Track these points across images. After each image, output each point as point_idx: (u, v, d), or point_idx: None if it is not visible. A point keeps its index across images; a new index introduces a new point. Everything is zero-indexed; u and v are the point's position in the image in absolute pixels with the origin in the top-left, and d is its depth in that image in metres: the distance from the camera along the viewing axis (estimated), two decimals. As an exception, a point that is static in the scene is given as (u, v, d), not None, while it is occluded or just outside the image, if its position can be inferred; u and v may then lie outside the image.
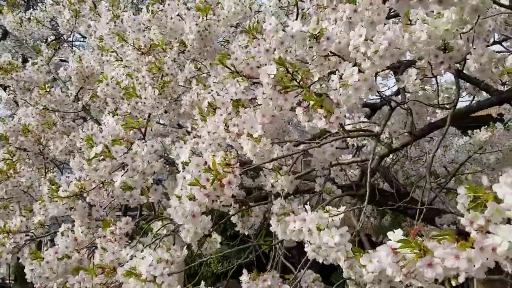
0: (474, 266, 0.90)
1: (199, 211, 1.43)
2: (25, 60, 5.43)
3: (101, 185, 2.12)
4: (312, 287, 2.03)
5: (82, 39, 7.16)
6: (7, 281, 8.76)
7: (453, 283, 1.05)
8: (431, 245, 0.96)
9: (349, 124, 2.17)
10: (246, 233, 2.38)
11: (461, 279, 0.95)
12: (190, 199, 1.39)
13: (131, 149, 1.99)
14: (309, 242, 1.45)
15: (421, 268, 0.96)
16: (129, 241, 2.18)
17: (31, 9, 5.03)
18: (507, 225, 0.86)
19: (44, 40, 5.10)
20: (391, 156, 3.70)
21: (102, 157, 1.92)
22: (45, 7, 4.60)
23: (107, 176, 1.97)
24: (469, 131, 3.69)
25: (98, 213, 2.17)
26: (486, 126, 3.52)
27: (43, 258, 1.98)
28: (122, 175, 2.07)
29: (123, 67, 2.89)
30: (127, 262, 1.68)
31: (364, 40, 1.43)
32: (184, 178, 1.44)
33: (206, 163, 1.39)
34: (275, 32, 1.63)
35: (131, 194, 2.10)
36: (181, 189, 1.43)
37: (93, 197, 2.12)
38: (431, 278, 0.96)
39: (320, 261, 1.53)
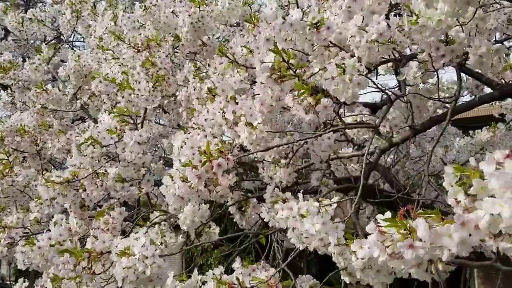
0: (454, 240, 0.88)
1: (189, 193, 1.41)
2: (24, 60, 5.41)
3: (95, 175, 2.10)
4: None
5: (82, 39, 7.12)
6: (8, 281, 8.74)
7: (440, 267, 1.03)
8: (415, 222, 0.94)
9: (348, 116, 2.15)
10: (244, 226, 2.35)
11: (444, 257, 0.92)
12: (183, 181, 1.38)
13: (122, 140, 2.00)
14: (293, 228, 1.44)
15: (402, 248, 0.94)
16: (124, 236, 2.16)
17: (31, 9, 5.03)
18: (490, 198, 0.83)
19: (44, 40, 5.09)
20: (391, 156, 3.68)
21: (91, 142, 1.92)
22: (45, 8, 4.60)
23: (96, 163, 1.97)
24: (471, 131, 3.66)
25: (91, 203, 2.15)
26: (488, 127, 3.49)
27: (35, 244, 1.96)
28: (117, 166, 2.07)
29: (119, 65, 2.88)
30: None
31: (358, 29, 1.41)
32: (180, 160, 1.43)
33: (200, 147, 1.39)
34: (274, 18, 1.60)
35: (123, 186, 2.10)
36: (176, 169, 1.42)
37: (86, 186, 2.11)
38: (410, 259, 0.94)
39: (301, 248, 1.51)
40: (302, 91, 1.46)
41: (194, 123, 1.91)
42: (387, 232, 0.98)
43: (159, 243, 1.51)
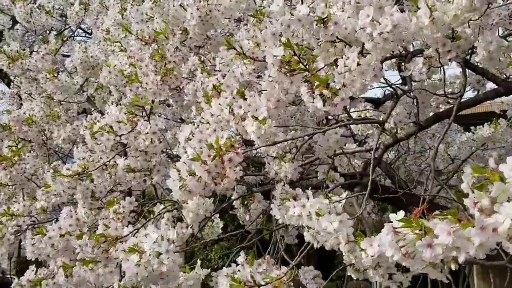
0: (473, 244, 0.88)
1: (197, 187, 1.41)
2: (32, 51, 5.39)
3: (104, 167, 2.12)
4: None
5: (85, 35, 7.09)
6: (8, 276, 8.76)
7: (453, 267, 1.04)
8: (432, 223, 0.94)
9: (354, 112, 2.17)
10: (246, 222, 2.37)
11: (461, 260, 0.92)
12: (190, 175, 1.38)
13: (135, 129, 2.01)
14: (307, 227, 1.44)
15: (420, 248, 0.93)
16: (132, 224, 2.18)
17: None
18: (511, 202, 0.84)
19: (49, 31, 5.09)
20: (393, 152, 3.70)
21: (108, 129, 1.94)
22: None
23: (109, 152, 1.98)
24: (472, 127, 3.67)
25: (101, 194, 2.17)
26: (489, 123, 3.49)
27: (45, 234, 1.98)
28: (126, 158, 2.08)
29: (128, 57, 2.89)
30: (128, 238, 1.69)
31: (370, 20, 1.41)
32: (186, 153, 1.43)
33: (208, 141, 1.39)
34: (282, 14, 1.61)
35: (134, 176, 2.10)
36: (183, 163, 1.42)
37: (96, 178, 2.12)
38: (429, 259, 0.94)
39: (317, 246, 1.52)
40: (318, 83, 1.46)
41: (202, 117, 1.92)
42: (400, 232, 0.98)
43: (171, 238, 1.51)
